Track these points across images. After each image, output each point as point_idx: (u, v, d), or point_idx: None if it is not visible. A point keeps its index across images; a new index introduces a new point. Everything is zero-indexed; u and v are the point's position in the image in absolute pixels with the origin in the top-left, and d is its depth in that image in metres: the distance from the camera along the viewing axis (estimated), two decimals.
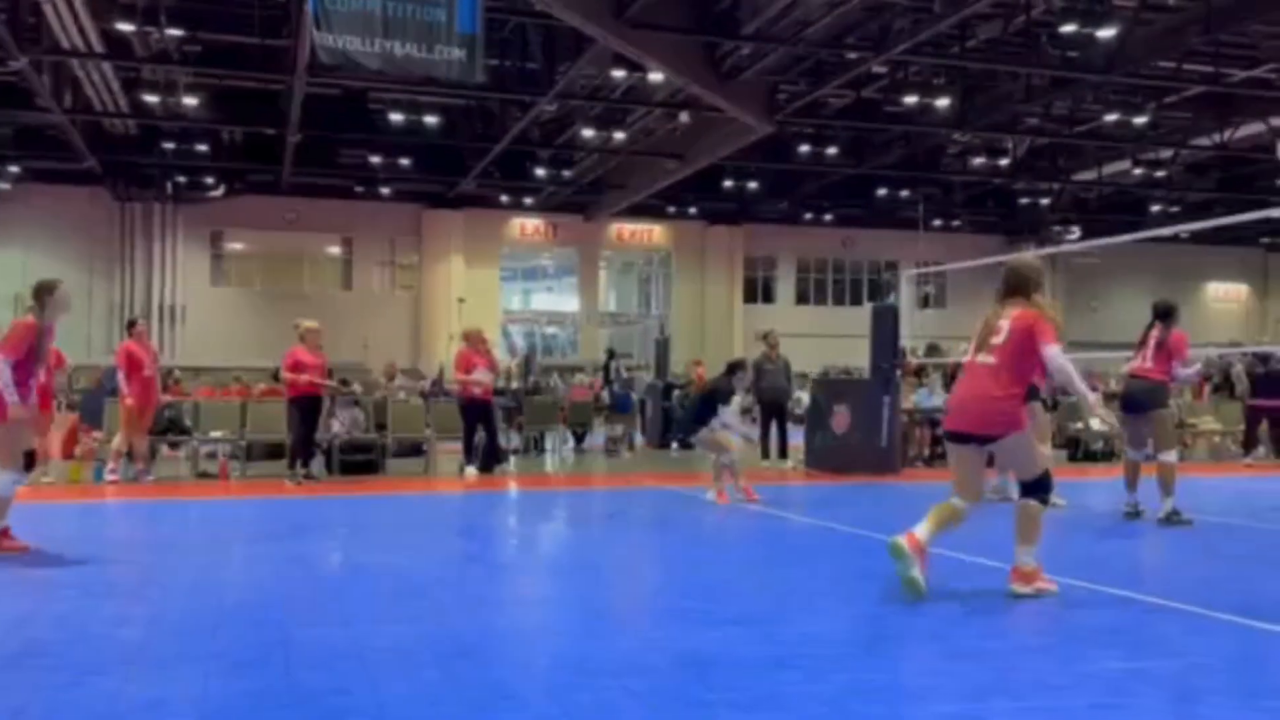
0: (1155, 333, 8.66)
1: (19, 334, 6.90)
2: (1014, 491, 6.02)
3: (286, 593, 5.76)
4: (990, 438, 5.39)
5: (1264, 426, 15.24)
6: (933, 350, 17.57)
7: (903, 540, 5.24)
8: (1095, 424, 16.09)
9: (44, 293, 6.99)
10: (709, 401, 10.09)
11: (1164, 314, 8.73)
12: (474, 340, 12.95)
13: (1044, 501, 5.50)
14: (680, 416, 10.09)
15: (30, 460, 7.14)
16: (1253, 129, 27.39)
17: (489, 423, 13.04)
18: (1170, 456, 8.54)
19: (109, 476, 11.44)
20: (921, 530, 5.30)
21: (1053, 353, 5.29)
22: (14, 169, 30.89)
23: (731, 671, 4.03)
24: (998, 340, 5.39)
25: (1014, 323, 5.38)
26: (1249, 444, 15.36)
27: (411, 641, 4.53)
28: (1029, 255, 5.72)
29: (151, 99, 25.18)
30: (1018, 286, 5.55)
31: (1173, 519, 8.34)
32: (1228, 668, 4.18)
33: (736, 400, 10.49)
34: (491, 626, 4.98)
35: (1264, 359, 15.97)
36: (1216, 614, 5.02)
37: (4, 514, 6.92)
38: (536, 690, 3.90)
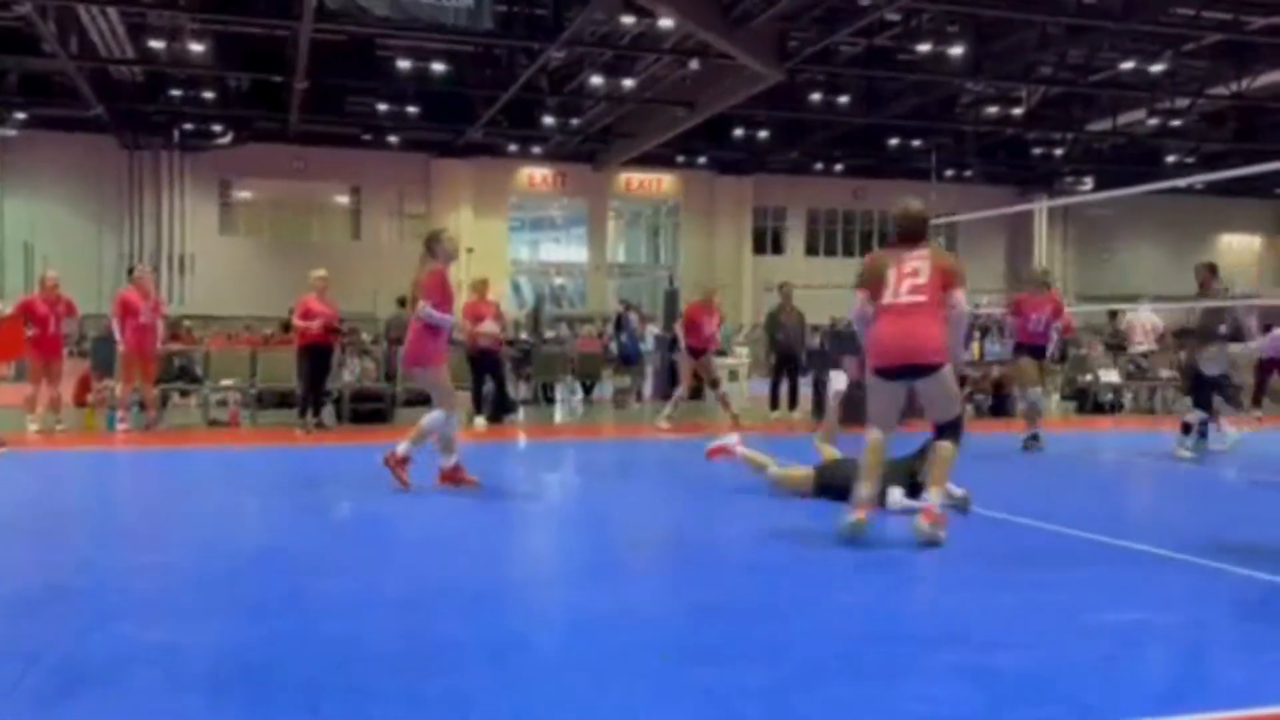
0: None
1: (436, 281, 7.49)
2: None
3: (299, 541, 5.81)
4: (931, 368, 5.52)
5: (1275, 379, 15.19)
6: None
7: (857, 517, 5.46)
8: (1105, 376, 16.07)
9: (434, 242, 7.70)
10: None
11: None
12: (481, 290, 12.95)
13: (956, 443, 5.69)
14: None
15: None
16: (1271, 78, 26.96)
17: (497, 373, 13.07)
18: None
19: (120, 425, 11.52)
20: (865, 492, 5.53)
21: (960, 298, 5.62)
22: (20, 116, 30.73)
23: (741, 620, 4.06)
24: (920, 280, 5.54)
25: (932, 263, 5.58)
26: (1258, 398, 15.32)
27: (424, 590, 4.58)
28: (918, 201, 5.91)
29: (158, 45, 24.97)
30: (920, 231, 5.75)
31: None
32: (1235, 619, 4.20)
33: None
34: (503, 575, 5.03)
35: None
36: (1223, 565, 5.04)
37: (452, 449, 7.40)
38: (549, 638, 3.95)
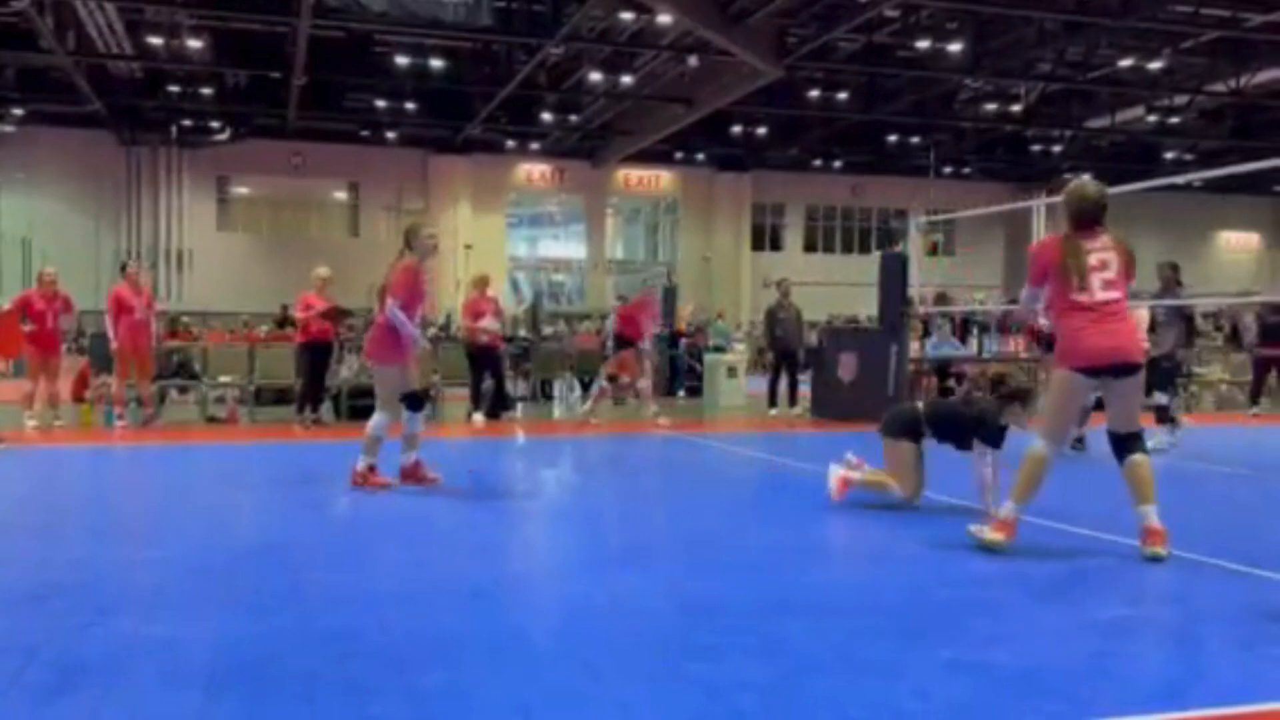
0: None
1: (408, 278, 7.16)
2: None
3: (297, 536, 5.82)
4: (1136, 367, 5.20)
5: (1272, 375, 15.20)
6: (941, 299, 17.53)
7: (993, 534, 5.19)
8: None
9: (413, 235, 7.40)
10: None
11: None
12: (481, 286, 12.97)
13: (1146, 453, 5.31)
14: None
15: (415, 401, 7.35)
16: (1270, 75, 27.00)
17: (496, 370, 13.08)
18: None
19: (118, 422, 11.52)
20: (1142, 507, 5.15)
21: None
22: (18, 111, 30.71)
23: (736, 616, 4.07)
24: (1111, 274, 5.12)
25: (1118, 254, 5.19)
26: (1256, 394, 15.34)
27: (422, 585, 4.58)
28: (1095, 183, 5.47)
29: (156, 41, 24.95)
30: (1099, 217, 5.28)
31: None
32: (1230, 616, 4.22)
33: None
34: (500, 570, 5.03)
35: (1276, 308, 15.87)
36: (1219, 562, 5.05)
37: (374, 451, 7.22)
38: (545, 633, 3.95)
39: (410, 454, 7.30)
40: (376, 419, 7.24)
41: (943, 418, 6.57)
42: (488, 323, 12.63)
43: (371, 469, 7.17)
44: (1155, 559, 5.00)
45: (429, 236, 7.47)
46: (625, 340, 12.51)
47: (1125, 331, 5.15)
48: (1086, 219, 5.25)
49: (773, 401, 13.95)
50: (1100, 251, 5.16)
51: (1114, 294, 5.11)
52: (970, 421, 6.24)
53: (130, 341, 11.48)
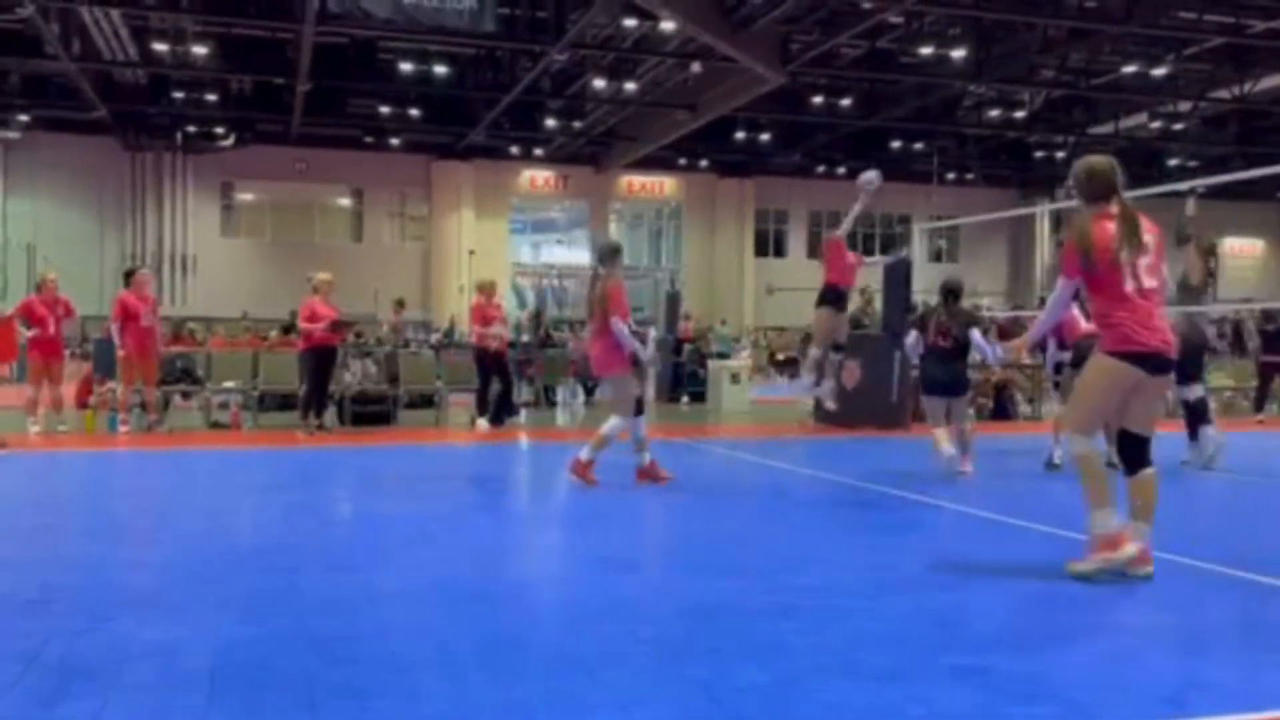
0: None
1: (621, 294, 7.73)
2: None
3: (298, 540, 5.82)
4: (1174, 364, 4.89)
5: (1277, 383, 15.18)
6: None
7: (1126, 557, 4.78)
8: None
9: (615, 254, 8.09)
10: (962, 345, 8.60)
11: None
12: (489, 292, 12.97)
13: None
14: (949, 369, 8.64)
15: (639, 406, 7.95)
16: (1273, 81, 26.98)
17: (504, 375, 13.08)
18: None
19: (122, 427, 11.53)
20: (1139, 525, 4.80)
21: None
22: (23, 118, 30.80)
23: (738, 621, 4.06)
24: (1150, 260, 4.75)
25: (1157, 239, 4.82)
26: (1261, 401, 15.32)
27: (421, 589, 4.58)
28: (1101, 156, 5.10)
29: (160, 47, 25.01)
30: (1113, 184, 4.86)
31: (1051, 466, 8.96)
32: (1235, 622, 4.20)
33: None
34: (500, 574, 5.03)
35: (1275, 315, 15.85)
36: (1224, 568, 5.03)
37: (600, 449, 7.75)
38: (545, 637, 3.94)
39: (644, 455, 7.84)
40: (613, 422, 7.70)
41: None
42: (497, 328, 12.65)
43: (590, 464, 7.64)
44: (1148, 578, 4.78)
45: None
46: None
47: (1165, 324, 4.82)
48: (1114, 186, 4.84)
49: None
50: (1146, 235, 4.78)
51: (1153, 282, 4.75)
52: None
53: (137, 348, 11.50)
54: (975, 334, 8.54)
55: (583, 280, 39.96)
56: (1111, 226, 4.75)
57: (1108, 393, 4.82)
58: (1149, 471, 4.83)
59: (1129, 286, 4.69)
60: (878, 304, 14.39)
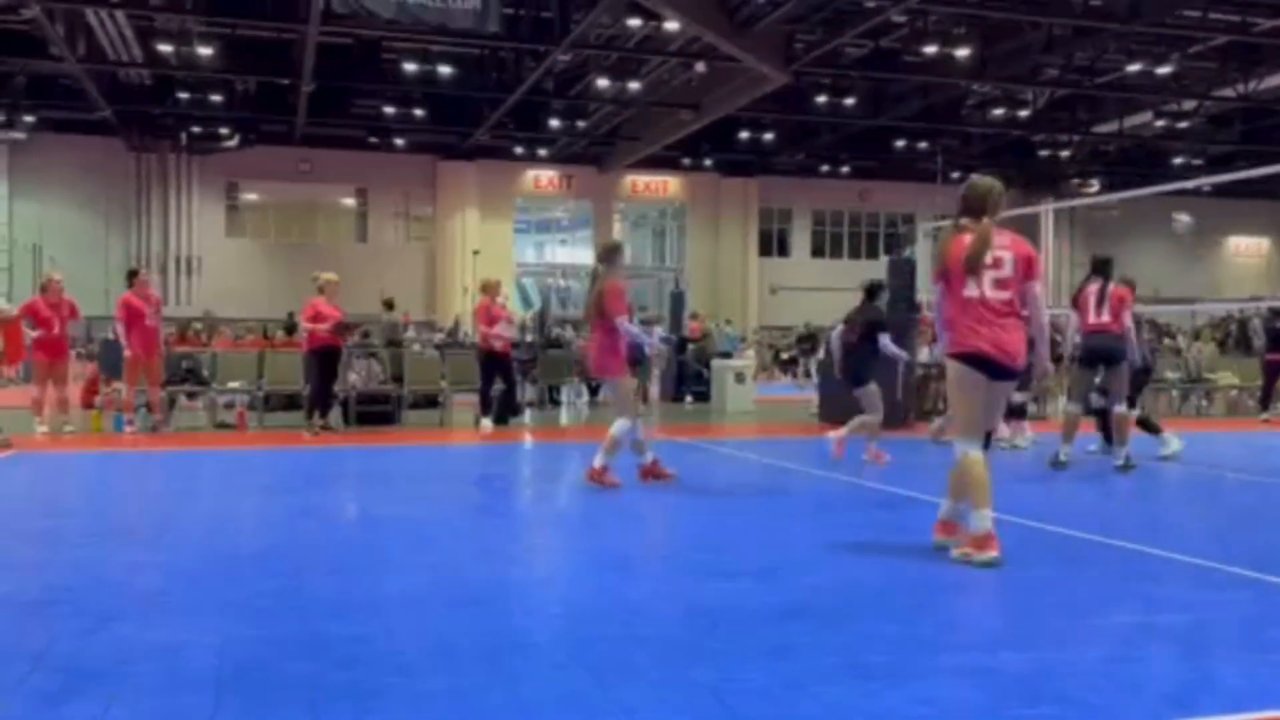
0: (1094, 286, 8.85)
1: (616, 295, 7.62)
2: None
3: (303, 542, 5.82)
4: (1019, 372, 5.22)
5: None
6: None
7: (951, 542, 5.22)
8: None
9: (615, 252, 8.08)
10: (871, 336, 9.06)
11: (1102, 267, 8.96)
12: (494, 292, 12.97)
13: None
14: (843, 369, 9.28)
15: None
16: (1278, 79, 26.92)
17: (508, 375, 13.08)
18: (1123, 407, 8.90)
19: (127, 428, 11.55)
20: (964, 513, 5.18)
21: (1039, 291, 5.17)
22: (28, 119, 30.85)
23: (742, 622, 4.06)
24: (1003, 274, 5.05)
25: (1015, 251, 5.08)
26: (1266, 399, 15.28)
27: (426, 590, 4.58)
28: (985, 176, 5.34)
29: (165, 48, 25.05)
30: (982, 205, 5.18)
31: (1127, 466, 8.69)
32: (1239, 621, 4.19)
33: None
34: (504, 576, 5.03)
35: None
36: (1229, 568, 5.03)
37: (613, 453, 7.64)
38: (549, 638, 3.95)
39: (646, 454, 7.85)
40: (620, 424, 7.63)
41: None
42: (502, 328, 12.64)
43: (605, 469, 7.57)
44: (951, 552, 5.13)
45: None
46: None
47: (1010, 334, 5.05)
48: (975, 208, 5.17)
49: None
50: (998, 249, 5.07)
51: (1004, 293, 5.05)
52: None
53: (143, 348, 11.53)
54: (883, 339, 9.10)
55: (586, 279, 40.04)
56: (966, 240, 5.11)
57: (968, 395, 5.18)
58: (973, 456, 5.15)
59: (972, 293, 5.06)
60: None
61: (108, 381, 13.33)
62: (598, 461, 7.59)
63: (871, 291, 9.31)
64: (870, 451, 9.11)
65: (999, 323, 5.03)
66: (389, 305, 18.22)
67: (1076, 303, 9.18)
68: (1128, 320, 8.95)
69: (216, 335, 23.40)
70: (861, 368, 9.21)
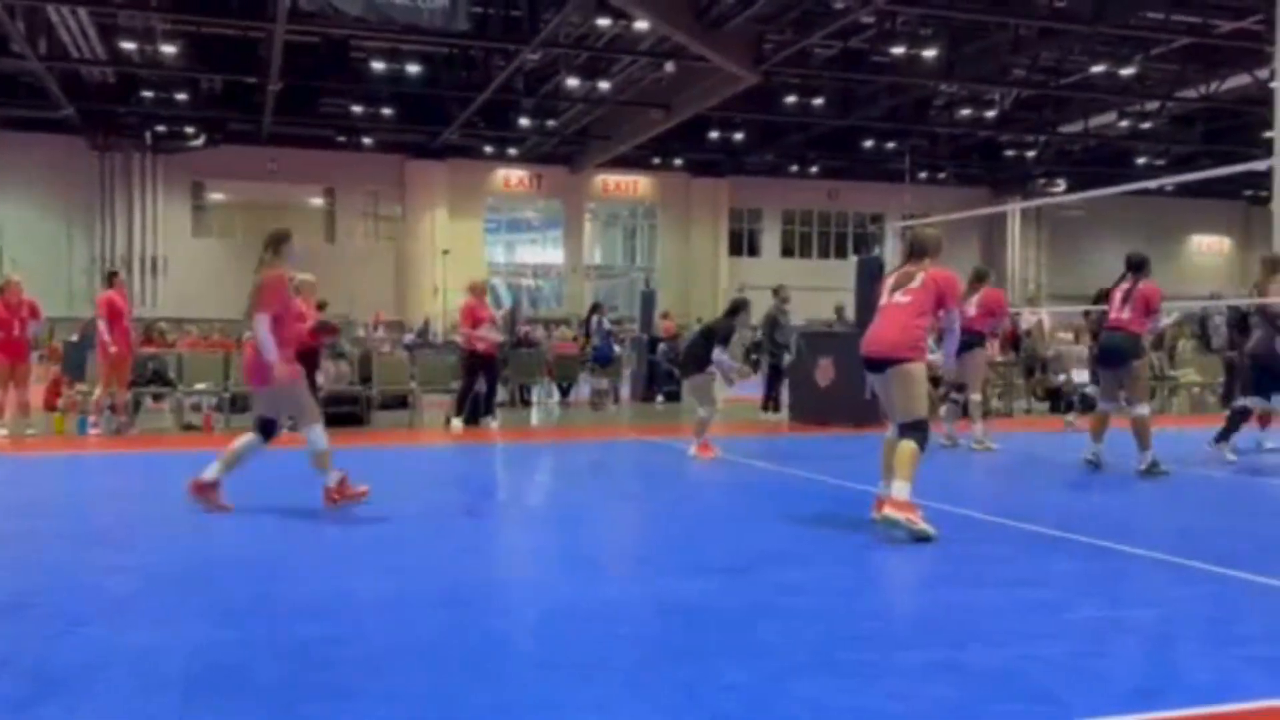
0: (1126, 284, 8.78)
1: (273, 287, 6.62)
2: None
3: (274, 544, 5.77)
4: (895, 361, 5.88)
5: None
6: None
7: (887, 511, 5.63)
8: (1077, 377, 16.18)
9: (280, 242, 6.74)
10: (706, 342, 9.68)
11: (1136, 266, 8.89)
12: (481, 293, 12.89)
13: (921, 445, 5.78)
14: (681, 359, 10.10)
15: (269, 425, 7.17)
16: (1239, 81, 27.34)
17: (491, 376, 12.99)
18: (1143, 409, 8.56)
19: (92, 430, 11.40)
20: (897, 488, 5.64)
21: (955, 315, 6.17)
22: None
23: (717, 620, 4.07)
24: (914, 285, 5.99)
25: (930, 275, 6.00)
26: (1228, 397, 15.47)
27: (400, 592, 4.56)
28: (930, 228, 6.66)
29: (129, 46, 24.77)
30: (923, 250, 6.17)
31: (1153, 470, 8.39)
32: (1205, 617, 4.25)
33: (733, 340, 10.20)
34: (479, 576, 5.01)
35: (1244, 314, 16.01)
36: (1195, 563, 5.10)
37: (329, 463, 6.87)
38: (526, 637, 3.94)
39: (330, 474, 6.92)
40: (315, 432, 6.97)
41: None
42: (486, 330, 12.56)
43: (342, 481, 6.90)
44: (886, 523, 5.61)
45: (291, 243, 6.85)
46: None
47: (890, 326, 5.95)
48: (916, 252, 6.19)
49: (767, 406, 14.06)
50: (919, 271, 6.05)
51: (905, 299, 5.96)
52: None
53: (125, 347, 11.44)
54: (716, 351, 9.56)
55: (557, 279, 39.99)
56: (900, 268, 6.30)
57: (870, 387, 6.40)
58: (902, 443, 5.77)
59: (882, 301, 6.15)
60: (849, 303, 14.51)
61: (71, 384, 13.14)
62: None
63: (734, 309, 9.90)
64: (697, 446, 9.65)
65: (888, 322, 6.02)
66: (321, 306, 18.02)
67: (1107, 299, 9.15)
68: (1153, 321, 8.90)
69: (182, 334, 23.12)
70: (694, 365, 9.86)
